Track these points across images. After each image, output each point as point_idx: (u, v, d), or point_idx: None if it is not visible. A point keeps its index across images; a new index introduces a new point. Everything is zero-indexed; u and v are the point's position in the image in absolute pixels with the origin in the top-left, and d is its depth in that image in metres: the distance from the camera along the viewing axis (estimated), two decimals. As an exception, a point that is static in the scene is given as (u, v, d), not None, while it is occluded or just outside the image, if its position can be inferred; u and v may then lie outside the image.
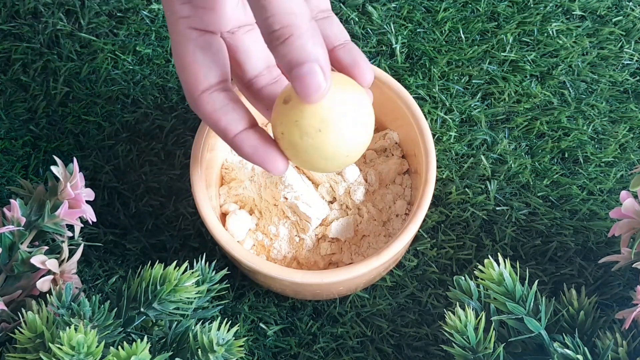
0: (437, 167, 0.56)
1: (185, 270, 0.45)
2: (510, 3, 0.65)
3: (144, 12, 0.64)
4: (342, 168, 0.44)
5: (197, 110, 0.42)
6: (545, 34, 0.63)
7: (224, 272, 0.49)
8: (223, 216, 0.54)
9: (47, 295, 0.46)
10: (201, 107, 0.42)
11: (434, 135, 0.59)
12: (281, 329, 0.55)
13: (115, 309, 0.45)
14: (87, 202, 0.52)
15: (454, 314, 0.44)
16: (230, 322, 0.49)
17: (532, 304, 0.45)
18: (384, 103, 0.54)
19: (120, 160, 0.60)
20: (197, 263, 0.47)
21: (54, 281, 0.49)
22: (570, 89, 0.62)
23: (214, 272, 0.48)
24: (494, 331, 0.45)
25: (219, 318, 0.51)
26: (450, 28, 0.64)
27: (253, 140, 0.41)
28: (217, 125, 0.42)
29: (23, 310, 0.44)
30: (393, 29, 0.63)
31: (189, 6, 0.42)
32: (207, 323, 0.45)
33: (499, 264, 0.45)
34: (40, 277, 0.48)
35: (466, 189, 0.58)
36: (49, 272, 0.49)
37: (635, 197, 0.49)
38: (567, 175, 0.59)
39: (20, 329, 0.43)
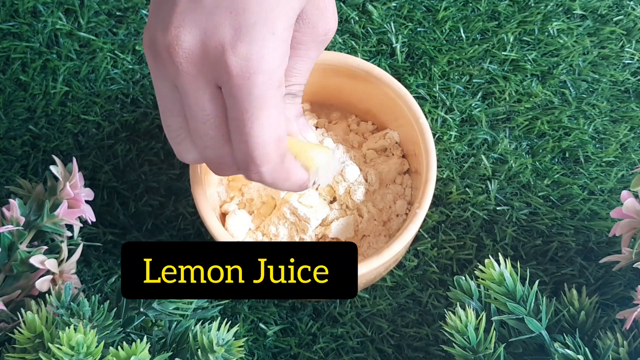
0: (438, 167, 0.56)
1: (185, 270, 0.45)
2: (510, 2, 0.64)
3: (144, 11, 0.64)
4: None
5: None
6: (546, 33, 0.63)
7: (224, 272, 0.48)
8: (223, 216, 0.54)
9: (47, 295, 0.46)
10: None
11: (434, 135, 0.59)
12: (281, 329, 0.55)
13: (115, 309, 0.45)
14: (87, 201, 0.52)
15: (455, 314, 0.44)
16: (230, 322, 0.49)
17: (532, 304, 0.45)
18: (384, 102, 0.54)
19: (119, 159, 0.59)
20: (196, 263, 0.47)
21: (53, 281, 0.49)
22: (571, 88, 0.62)
23: (213, 272, 0.48)
24: (494, 331, 0.44)
25: (219, 318, 0.51)
26: (451, 27, 0.64)
27: None
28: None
29: (22, 310, 0.44)
30: (393, 28, 0.63)
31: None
32: (207, 323, 0.45)
33: (499, 264, 0.45)
34: (40, 277, 0.48)
35: (467, 189, 0.58)
36: (48, 272, 0.49)
37: (636, 196, 0.48)
38: (568, 175, 0.59)
39: (20, 329, 0.43)
